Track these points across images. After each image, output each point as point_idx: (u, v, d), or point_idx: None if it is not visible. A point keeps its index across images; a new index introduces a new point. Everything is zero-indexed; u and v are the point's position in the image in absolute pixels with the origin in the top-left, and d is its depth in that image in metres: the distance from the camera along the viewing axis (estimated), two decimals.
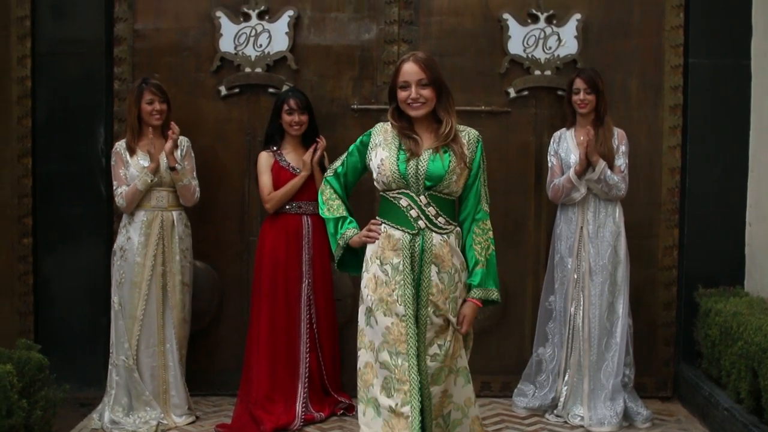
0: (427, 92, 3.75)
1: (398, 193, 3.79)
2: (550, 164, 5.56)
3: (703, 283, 5.71)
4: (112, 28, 5.80)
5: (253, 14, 5.79)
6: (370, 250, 3.86)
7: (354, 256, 4.00)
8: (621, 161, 5.39)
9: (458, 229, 3.87)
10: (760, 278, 5.65)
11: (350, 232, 3.93)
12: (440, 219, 3.78)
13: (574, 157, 5.41)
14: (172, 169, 5.27)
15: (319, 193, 4.07)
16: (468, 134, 3.86)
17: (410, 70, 3.76)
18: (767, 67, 5.64)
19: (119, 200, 5.30)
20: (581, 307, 5.41)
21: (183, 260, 5.39)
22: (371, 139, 3.92)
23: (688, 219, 5.83)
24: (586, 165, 5.30)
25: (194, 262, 5.61)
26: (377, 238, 3.82)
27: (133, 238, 5.30)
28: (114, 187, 5.34)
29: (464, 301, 3.82)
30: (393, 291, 3.74)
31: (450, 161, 3.75)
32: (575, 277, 5.45)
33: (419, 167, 3.74)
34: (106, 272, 5.57)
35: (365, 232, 3.87)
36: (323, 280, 5.48)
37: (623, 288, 5.43)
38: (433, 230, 3.76)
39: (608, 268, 5.38)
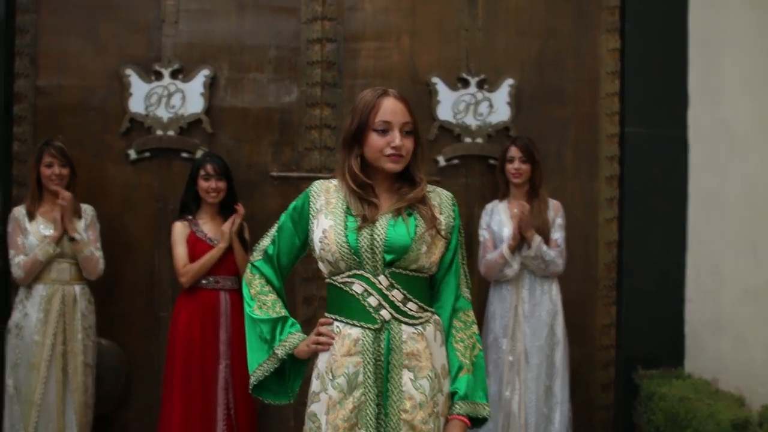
0: (409, 142, 3.32)
1: (349, 276, 3.30)
2: (481, 238, 5.86)
3: (642, 363, 6.09)
4: (11, 84, 6.13)
5: (166, 73, 6.19)
6: (322, 361, 3.35)
7: (276, 376, 3.51)
8: (557, 235, 5.74)
9: (436, 317, 3.37)
10: (702, 358, 6.07)
11: (295, 337, 3.42)
12: (410, 305, 3.30)
13: (507, 230, 5.69)
14: (71, 239, 5.55)
15: (244, 284, 3.56)
16: (439, 195, 3.44)
17: (394, 108, 3.31)
18: (704, 138, 6.18)
19: (16, 271, 5.53)
20: (517, 392, 5.64)
21: (86, 339, 5.63)
22: (310, 204, 3.42)
23: (625, 295, 6.28)
24: (520, 240, 5.60)
25: (99, 340, 5.86)
26: (331, 344, 3.32)
27: (30, 315, 5.53)
28: (10, 257, 5.57)
29: (447, 420, 3.32)
30: (351, 413, 3.23)
31: (416, 226, 3.28)
32: (510, 359, 5.66)
33: (375, 237, 3.25)
34: (0, 352, 5.76)
35: (313, 336, 3.36)
36: (242, 361, 5.45)
37: (562, 370, 5.69)
38: (401, 321, 3.28)
39: (545, 349, 5.65)
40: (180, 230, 5.81)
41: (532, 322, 5.72)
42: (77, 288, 5.69)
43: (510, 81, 6.36)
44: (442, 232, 3.36)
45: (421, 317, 3.33)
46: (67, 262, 5.66)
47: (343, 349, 3.29)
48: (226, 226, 5.77)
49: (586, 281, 6.37)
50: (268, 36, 6.35)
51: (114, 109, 6.25)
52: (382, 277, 3.29)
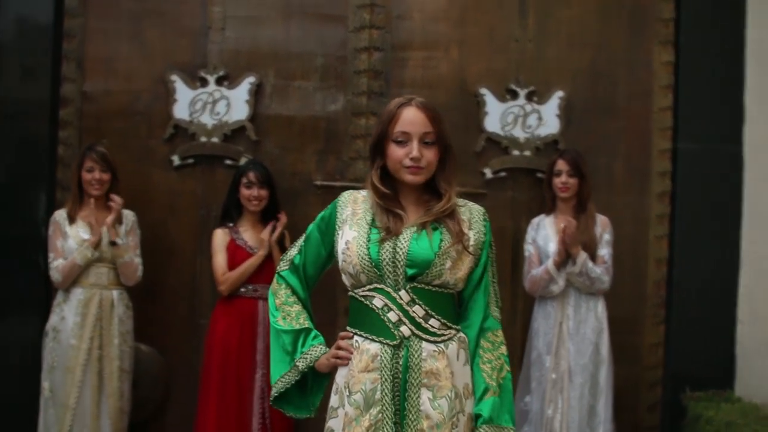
0: (431, 153, 3.28)
1: (370, 290, 3.28)
2: (527, 253, 5.88)
3: (690, 384, 6.03)
4: (58, 89, 6.24)
5: (211, 79, 6.27)
6: (341, 375, 3.34)
7: (299, 389, 3.50)
8: (604, 251, 5.71)
9: (461, 334, 3.34)
10: (753, 382, 6.04)
11: (317, 350, 3.40)
12: (433, 321, 3.26)
13: (553, 245, 5.68)
14: (113, 243, 5.65)
15: (270, 293, 3.57)
16: (470, 210, 3.40)
17: (414, 118, 3.28)
18: (761, 154, 6.18)
19: (54, 274, 5.62)
20: (559, 411, 5.63)
21: (122, 344, 5.71)
22: (337, 214, 3.42)
23: (675, 314, 6.25)
24: (566, 256, 5.61)
25: (138, 345, 5.96)
26: (350, 359, 3.30)
27: (67, 318, 5.62)
28: (50, 260, 5.67)
29: None
30: (367, 431, 3.20)
31: (441, 240, 3.24)
32: (553, 377, 5.65)
33: (397, 250, 3.22)
34: (41, 353, 5.80)
35: (333, 350, 3.35)
36: None
37: (606, 390, 5.66)
38: (422, 338, 3.24)
39: (589, 368, 5.63)
40: (220, 237, 5.89)
41: (577, 339, 5.71)
42: (115, 293, 5.78)
43: (560, 93, 6.37)
44: (470, 248, 3.32)
45: (443, 335, 3.29)
46: (106, 267, 5.74)
47: (361, 365, 3.26)
48: (265, 234, 5.83)
49: (634, 299, 6.33)
50: (315, 44, 6.40)
51: (159, 114, 6.34)
52: (403, 292, 3.25)
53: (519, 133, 6.38)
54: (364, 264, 3.25)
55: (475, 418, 3.27)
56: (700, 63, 6.38)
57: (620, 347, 6.00)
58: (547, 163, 6.03)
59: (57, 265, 5.67)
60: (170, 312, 6.33)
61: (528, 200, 6.36)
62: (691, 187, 6.34)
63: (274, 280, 3.58)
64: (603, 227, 5.83)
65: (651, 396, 6.36)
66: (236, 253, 5.85)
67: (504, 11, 6.44)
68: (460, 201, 3.41)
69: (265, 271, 5.82)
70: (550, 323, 5.78)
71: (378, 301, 3.27)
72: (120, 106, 6.36)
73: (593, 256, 5.70)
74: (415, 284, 3.25)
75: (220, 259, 5.85)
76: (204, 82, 6.34)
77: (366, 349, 3.27)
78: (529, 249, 5.94)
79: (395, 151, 3.30)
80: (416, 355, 3.23)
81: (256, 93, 6.34)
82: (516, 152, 6.38)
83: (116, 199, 5.71)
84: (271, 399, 3.53)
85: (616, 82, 6.42)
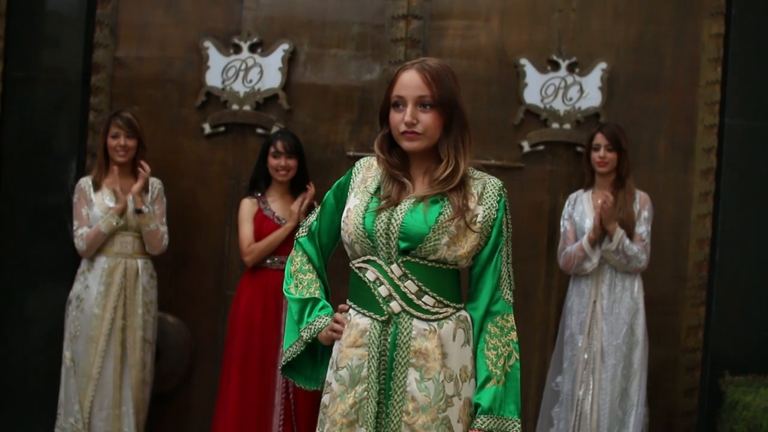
0: (428, 117, 3.08)
1: (364, 262, 3.14)
2: (562, 229, 5.78)
3: (730, 369, 5.89)
4: (90, 55, 6.21)
5: (245, 46, 6.19)
6: (335, 349, 3.23)
7: (311, 358, 3.39)
8: (642, 229, 5.60)
9: (463, 313, 3.17)
10: None
11: (321, 321, 3.25)
12: (427, 299, 3.09)
13: (589, 222, 5.58)
14: (138, 211, 5.59)
15: (288, 261, 3.46)
16: (484, 184, 3.15)
17: (409, 81, 3.10)
18: None
19: (79, 242, 5.58)
20: (590, 392, 5.54)
21: (146, 314, 5.66)
22: (350, 181, 3.30)
23: (716, 297, 6.06)
24: (602, 233, 5.50)
25: (164, 316, 5.96)
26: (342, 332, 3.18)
27: (91, 287, 5.58)
28: (74, 227, 5.62)
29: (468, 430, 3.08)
30: (351, 408, 3.09)
31: (441, 214, 3.06)
32: (585, 357, 5.57)
33: (392, 221, 3.07)
34: (60, 323, 5.82)
35: (331, 323, 3.23)
36: None
37: (639, 372, 5.54)
38: (413, 315, 3.08)
39: (623, 349, 5.52)
40: (248, 207, 5.83)
41: (611, 319, 5.61)
42: (140, 262, 5.73)
43: (603, 65, 6.20)
44: (476, 225, 3.11)
45: (438, 313, 3.11)
46: (131, 236, 5.70)
47: (349, 340, 3.15)
48: (295, 206, 5.76)
49: (673, 279, 6.18)
50: (352, 11, 6.30)
51: (191, 82, 6.29)
52: (395, 266, 3.08)
53: (559, 106, 6.23)
54: (359, 233, 3.12)
55: (475, 407, 3.10)
56: (751, 35, 6.17)
57: (658, 328, 5.90)
58: (587, 136, 5.91)
59: (81, 233, 5.63)
60: (197, 283, 6.29)
61: (566, 175, 6.22)
62: (737, 164, 6.16)
63: (293, 247, 3.48)
64: (642, 204, 5.70)
65: (689, 380, 6.21)
66: (263, 224, 5.78)
67: None
68: (477, 173, 3.21)
69: (291, 243, 5.59)
70: (584, 302, 5.68)
71: (371, 274, 3.12)
72: (152, 73, 6.32)
73: (631, 234, 5.58)
74: (408, 258, 3.08)
75: (246, 229, 5.77)
76: (237, 49, 6.28)
77: (356, 323, 3.14)
78: (564, 225, 5.83)
79: (393, 117, 3.15)
80: (405, 333, 3.08)
81: (290, 61, 6.26)
82: (555, 125, 6.23)
83: (144, 166, 5.67)
84: (279, 368, 3.45)
85: (662, 55, 6.24)
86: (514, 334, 3.16)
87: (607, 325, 5.61)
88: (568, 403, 5.67)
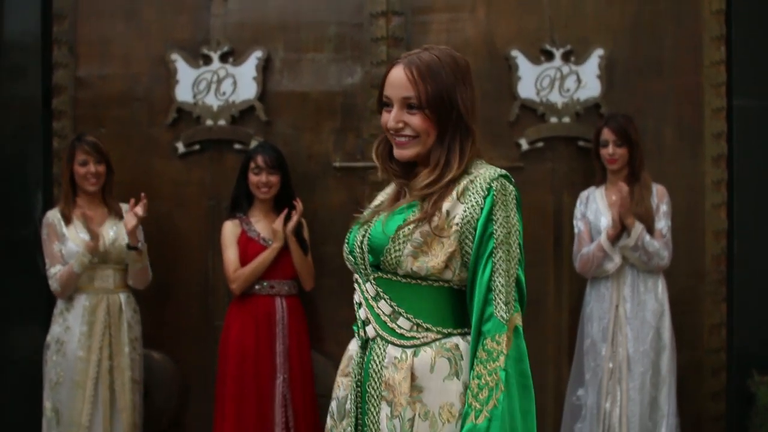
0: (416, 120, 2.71)
1: (354, 282, 2.86)
2: (576, 230, 5.53)
3: (757, 368, 5.69)
4: (50, 76, 5.91)
5: (215, 56, 5.88)
6: None
7: None
8: (662, 223, 5.37)
9: (455, 339, 2.73)
10: None
11: None
12: (402, 321, 2.71)
13: (605, 220, 5.37)
14: (133, 248, 5.26)
15: None
16: (474, 178, 2.67)
17: (394, 80, 2.75)
18: None
19: (53, 284, 5.24)
20: (618, 404, 5.30)
21: (132, 352, 5.35)
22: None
23: (737, 291, 5.83)
24: (621, 229, 5.27)
25: (149, 352, 5.64)
26: None
27: (73, 328, 5.24)
28: (47, 267, 5.29)
29: None
30: None
31: (405, 220, 2.70)
32: (610, 366, 5.33)
33: (366, 234, 2.77)
34: (36, 370, 5.52)
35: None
36: (302, 374, 5.45)
37: (669, 379, 5.32)
38: (388, 341, 2.73)
39: (650, 355, 5.29)
40: (230, 230, 5.52)
41: (635, 324, 5.34)
42: (122, 296, 5.40)
43: (600, 51, 5.91)
44: (447, 230, 2.66)
45: (415, 338, 2.70)
46: (111, 269, 5.37)
47: (341, 366, 2.89)
48: (278, 224, 5.44)
49: (691, 276, 5.90)
50: (327, 11, 5.99)
51: (160, 98, 5.98)
52: (369, 285, 2.76)
53: (556, 98, 5.93)
54: (344, 250, 2.86)
55: None
56: (755, 9, 5.91)
57: (678, 330, 5.59)
58: (590, 129, 5.72)
59: (55, 273, 5.27)
60: (182, 314, 5.99)
61: (569, 171, 5.94)
62: (750, 148, 5.90)
63: None
64: (660, 198, 5.46)
65: (715, 383, 5.93)
66: (248, 247, 5.47)
67: None
68: (479, 168, 2.74)
69: (281, 265, 5.47)
70: (605, 307, 5.42)
71: (356, 295, 2.82)
72: (117, 91, 6.01)
73: (650, 230, 5.34)
74: (380, 274, 2.73)
75: (230, 254, 5.47)
76: (207, 60, 5.96)
77: (348, 348, 2.88)
78: (578, 225, 5.58)
79: (382, 118, 2.81)
80: (377, 361, 2.73)
81: (265, 69, 5.95)
82: (554, 119, 5.92)
83: (143, 206, 5.32)
84: None
85: (662, 36, 5.95)
86: (502, 360, 2.59)
87: (632, 330, 5.35)
88: (593, 417, 5.41)
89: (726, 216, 5.91)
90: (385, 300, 2.72)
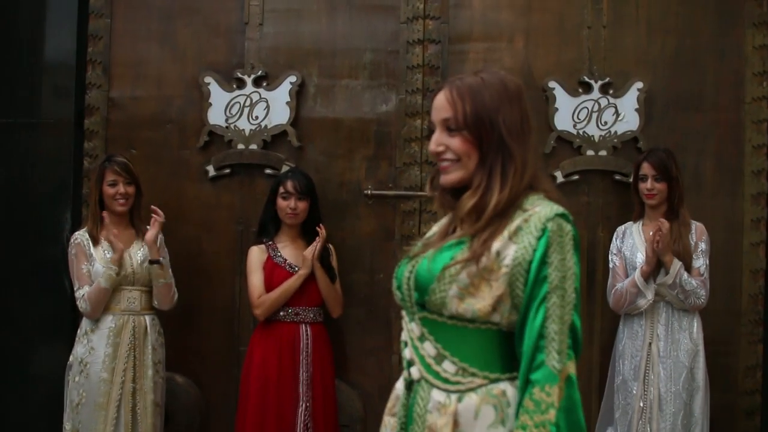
0: (456, 142, 2.62)
1: (402, 317, 2.75)
2: (611, 265, 5.43)
3: None
4: (83, 96, 5.89)
5: (249, 80, 5.85)
6: None
7: None
8: (700, 262, 5.26)
9: (502, 386, 2.58)
10: None
11: None
12: (447, 365, 2.58)
13: (641, 256, 5.26)
14: (155, 262, 5.23)
15: None
16: (529, 216, 2.52)
17: (436, 102, 2.67)
18: None
19: (82, 304, 5.19)
20: None
21: (155, 375, 5.27)
22: None
23: None
24: (655, 265, 5.19)
25: (173, 376, 5.59)
26: None
27: (97, 349, 5.17)
28: (75, 288, 5.24)
29: None
30: None
31: (453, 258, 2.57)
32: (641, 405, 5.22)
33: (413, 270, 2.66)
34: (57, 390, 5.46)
35: None
36: (325, 403, 5.36)
37: (701, 421, 5.20)
38: (432, 384, 2.60)
39: (682, 396, 5.17)
40: (256, 256, 5.46)
41: (668, 363, 5.22)
42: (148, 318, 5.33)
43: (639, 85, 5.82)
44: (495, 273, 2.52)
45: (460, 383, 2.57)
46: (138, 290, 5.31)
47: (388, 405, 2.78)
48: (308, 251, 5.37)
49: (727, 315, 5.78)
50: (363, 38, 5.96)
51: (192, 121, 5.96)
52: (414, 324, 2.64)
53: (593, 131, 5.84)
54: (393, 284, 2.74)
55: None
56: None
57: (712, 370, 5.47)
58: (627, 163, 5.67)
59: (83, 294, 5.21)
60: (207, 339, 5.93)
61: (604, 205, 5.85)
62: None
63: None
64: (698, 235, 5.35)
65: (749, 426, 5.79)
66: (274, 273, 5.40)
67: None
68: (535, 203, 2.59)
69: (307, 292, 5.38)
70: (638, 344, 5.31)
71: (403, 333, 2.70)
72: (150, 113, 5.98)
73: (688, 268, 5.22)
74: (426, 314, 2.61)
75: (255, 279, 5.40)
76: (241, 84, 5.92)
77: (396, 387, 2.77)
78: (613, 260, 5.47)
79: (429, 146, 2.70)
80: (421, 405, 2.61)
81: (298, 94, 5.91)
82: (590, 152, 5.84)
83: (158, 212, 5.32)
84: None
85: (703, 71, 5.86)
86: (552, 414, 2.43)
87: (665, 369, 5.23)
88: None
89: (764, 255, 5.79)
90: (430, 341, 2.61)
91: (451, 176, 2.64)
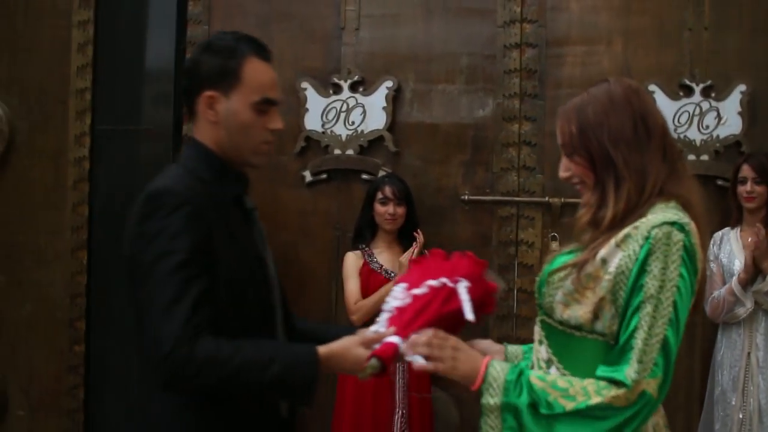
0: (575, 166, 2.60)
1: None
2: (708, 272, 5.19)
3: None
4: (180, 104, 5.97)
5: (345, 86, 5.87)
6: None
7: None
8: None
9: None
10: None
11: None
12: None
13: (739, 263, 5.16)
14: None
15: None
16: (638, 225, 2.44)
17: (557, 128, 2.66)
18: None
19: None
20: None
21: None
22: None
23: None
24: (753, 272, 5.09)
25: None
26: None
27: None
28: None
29: None
30: None
31: (563, 264, 2.56)
32: (740, 417, 5.15)
33: (541, 272, 2.67)
34: None
35: None
36: (421, 411, 5.34)
37: None
38: None
39: None
40: (352, 261, 5.47)
41: None
42: None
43: (742, 87, 5.67)
44: (598, 281, 2.46)
45: None
46: None
47: None
48: (405, 257, 5.30)
49: None
50: (460, 42, 5.91)
51: (289, 126, 5.86)
52: (537, 327, 2.66)
53: (694, 135, 5.72)
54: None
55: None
56: None
57: None
58: (730, 168, 5.47)
59: None
60: None
61: (707, 212, 5.47)
62: None
63: None
64: None
65: None
66: (370, 279, 5.40)
67: None
68: (658, 211, 2.48)
69: None
70: (736, 354, 5.20)
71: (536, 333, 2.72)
72: None
73: None
74: (544, 317, 2.62)
75: (351, 285, 5.41)
76: (337, 89, 5.95)
77: None
78: (711, 267, 5.32)
79: None
80: None
81: (395, 99, 5.91)
82: (692, 157, 5.70)
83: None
84: None
85: None
86: (570, 406, 2.39)
87: (765, 380, 5.11)
88: None
89: None
90: (545, 345, 2.60)
91: (585, 198, 2.62)
